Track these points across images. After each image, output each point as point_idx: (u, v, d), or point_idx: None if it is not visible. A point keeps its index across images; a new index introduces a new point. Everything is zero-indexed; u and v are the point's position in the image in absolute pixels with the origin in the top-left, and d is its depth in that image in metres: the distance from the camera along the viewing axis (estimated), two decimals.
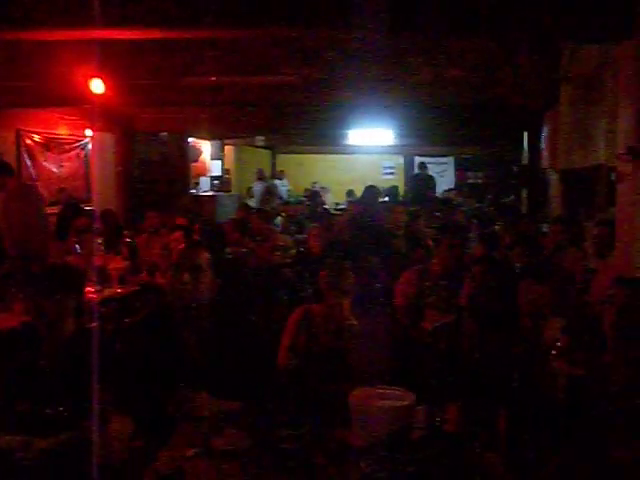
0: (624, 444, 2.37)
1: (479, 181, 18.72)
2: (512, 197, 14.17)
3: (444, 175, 19.63)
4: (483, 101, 8.80)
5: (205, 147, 15.12)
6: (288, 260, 7.69)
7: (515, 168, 14.38)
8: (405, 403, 2.47)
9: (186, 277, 3.14)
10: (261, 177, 16.24)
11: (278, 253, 7.55)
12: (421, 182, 15.09)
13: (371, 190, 8.69)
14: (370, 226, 7.19)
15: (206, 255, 3.03)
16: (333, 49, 6.79)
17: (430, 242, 6.95)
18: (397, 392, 2.55)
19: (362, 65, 7.02)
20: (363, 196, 8.94)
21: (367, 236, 6.59)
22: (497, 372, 2.90)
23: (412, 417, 2.53)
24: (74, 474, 2.77)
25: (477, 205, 14.26)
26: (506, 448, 2.41)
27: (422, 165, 15.56)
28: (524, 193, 11.17)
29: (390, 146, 16.00)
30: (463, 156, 19.28)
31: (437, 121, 10.78)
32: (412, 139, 15.29)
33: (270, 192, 15.20)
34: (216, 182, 14.50)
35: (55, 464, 2.83)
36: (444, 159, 19.72)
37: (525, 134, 10.73)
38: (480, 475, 2.34)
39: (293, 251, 8.09)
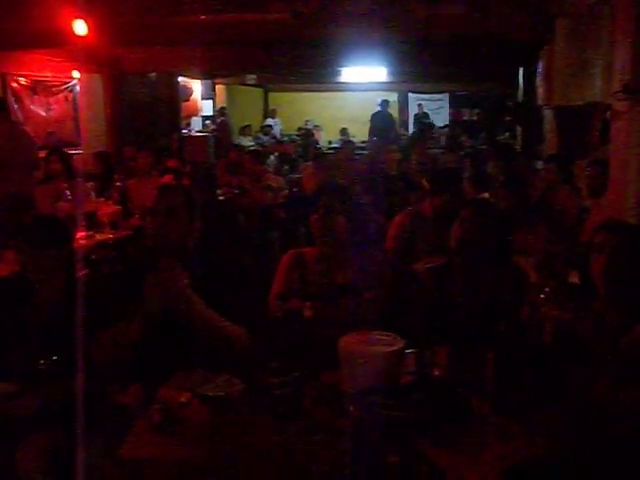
0: (611, 388, 2.39)
1: (474, 118, 18.56)
2: (507, 134, 14.09)
3: (439, 112, 19.50)
4: (478, 37, 8.67)
5: (196, 86, 14.91)
6: (281, 200, 7.67)
7: (510, 105, 14.26)
8: (395, 348, 2.48)
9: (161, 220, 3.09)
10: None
11: (270, 193, 7.53)
12: (380, 119, 14.99)
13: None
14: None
15: (181, 198, 3.02)
16: None
17: (424, 182, 6.92)
18: (387, 337, 2.55)
19: (354, 1, 6.89)
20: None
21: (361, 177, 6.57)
22: (485, 316, 2.92)
23: (402, 362, 2.54)
24: (68, 422, 2.80)
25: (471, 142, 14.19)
26: (493, 392, 2.43)
27: (384, 102, 15.43)
28: (519, 130, 11.10)
29: (384, 83, 15.83)
30: (458, 93, 19.08)
31: (431, 58, 10.63)
32: (406, 76, 15.11)
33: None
34: (208, 122, 14.34)
35: (49, 412, 2.87)
36: (439, 96, 19.56)
37: (520, 70, 10.59)
38: (468, 419, 2.37)
39: (285, 191, 8.07)
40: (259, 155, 8.71)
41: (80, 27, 6.43)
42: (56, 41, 7.90)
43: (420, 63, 11.78)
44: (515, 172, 6.67)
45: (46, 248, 3.10)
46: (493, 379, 2.42)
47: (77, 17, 6.41)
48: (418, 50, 9.94)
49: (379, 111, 15.30)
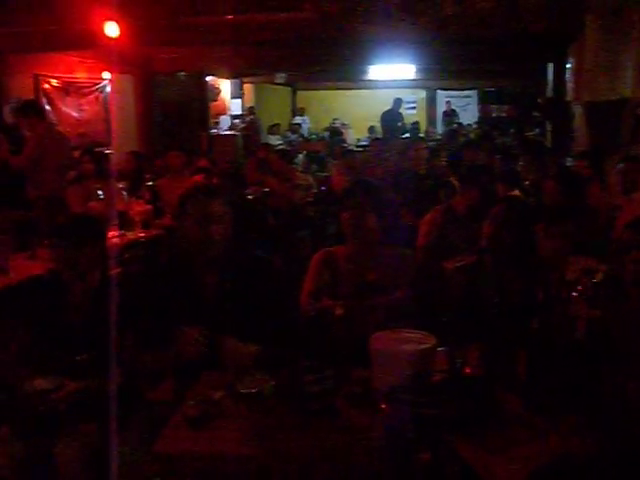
0: None
1: (503, 114, 18.42)
2: (536, 131, 13.97)
3: (467, 109, 19.39)
4: (507, 33, 8.60)
5: (224, 86, 14.98)
6: (310, 199, 7.70)
7: (540, 101, 14.13)
8: (426, 346, 2.49)
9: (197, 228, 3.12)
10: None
11: (300, 192, 7.55)
12: (389, 118, 14.91)
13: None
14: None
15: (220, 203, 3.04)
16: None
17: (453, 180, 6.90)
18: (418, 335, 2.56)
19: None
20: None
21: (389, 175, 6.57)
22: (517, 314, 2.91)
23: (433, 360, 2.55)
24: (104, 418, 2.85)
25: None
26: (525, 391, 2.43)
27: (396, 101, 15.32)
28: (548, 127, 11.01)
29: (412, 80, 15.79)
30: (487, 90, 18.95)
31: (460, 54, 10.59)
32: (434, 73, 15.05)
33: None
34: (236, 121, 14.40)
35: (85, 408, 2.92)
36: (467, 92, 19.43)
37: (550, 66, 10.50)
38: (500, 417, 2.37)
39: (314, 190, 8.09)
40: (287, 154, 8.74)
41: (112, 29, 6.50)
42: (88, 43, 8.00)
43: (449, 60, 11.74)
44: (545, 169, 6.60)
45: (81, 247, 3.16)
46: (525, 377, 2.42)
47: (109, 19, 6.48)
48: (447, 47, 9.91)
49: (389, 109, 15.25)
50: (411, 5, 7.09)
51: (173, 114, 12.22)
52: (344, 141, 14.12)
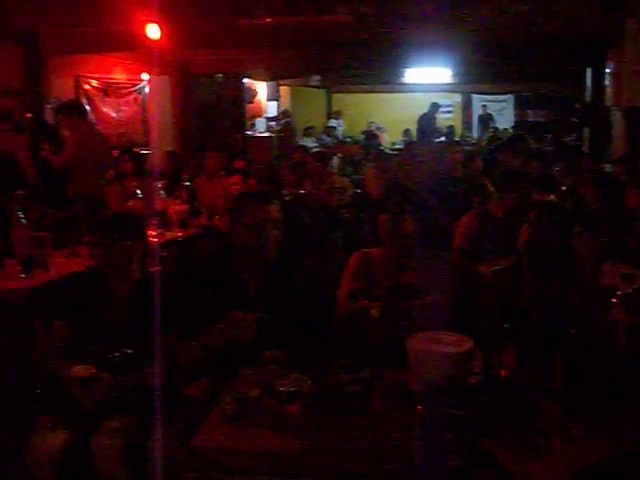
0: None
1: (540, 119, 18.26)
2: (574, 136, 13.83)
3: (503, 113, 19.25)
4: (545, 37, 8.55)
5: (260, 88, 15.07)
6: (345, 202, 7.72)
7: (577, 106, 14.00)
8: (463, 349, 2.50)
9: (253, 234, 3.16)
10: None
11: (336, 195, 7.58)
12: (424, 122, 14.81)
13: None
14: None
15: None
16: None
17: (488, 184, 6.88)
18: (455, 337, 2.57)
19: (419, 1, 6.88)
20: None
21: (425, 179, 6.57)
22: (554, 319, 2.90)
23: (469, 363, 2.55)
24: (141, 412, 2.90)
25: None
26: (563, 396, 2.42)
27: (432, 105, 15.21)
28: (586, 132, 10.90)
29: (447, 84, 15.73)
30: (523, 94, 18.79)
31: (497, 58, 10.52)
32: (470, 77, 14.97)
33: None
34: (272, 123, 14.48)
35: (122, 402, 2.97)
36: (503, 97, 19.30)
37: (588, 71, 10.40)
38: (536, 422, 2.37)
39: (349, 192, 8.11)
40: (322, 156, 8.77)
41: (153, 31, 6.57)
42: (129, 44, 8.13)
43: (485, 63, 11.68)
44: (581, 175, 6.54)
45: (122, 244, 3.21)
46: (563, 382, 2.42)
47: (150, 21, 6.56)
48: (483, 50, 9.86)
49: (425, 113, 15.21)
50: (447, 8, 7.07)
51: (210, 115, 12.32)
52: (379, 144, 14.10)
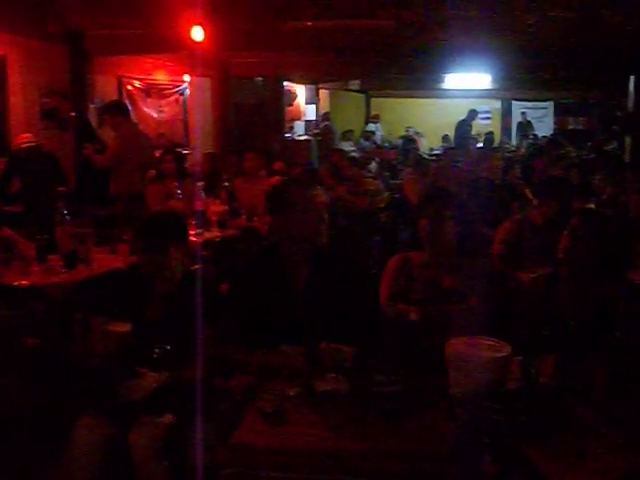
0: None
1: (580, 127, 18.07)
2: (615, 144, 13.67)
3: (543, 121, 19.09)
4: (587, 43, 8.47)
5: (300, 91, 15.15)
6: (380, 204, 7.74)
7: (619, 114, 13.83)
8: (502, 354, 2.50)
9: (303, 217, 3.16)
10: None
11: (368, 198, 7.60)
12: (460, 129, 14.71)
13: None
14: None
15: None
16: None
17: (527, 191, 6.85)
18: (493, 343, 2.57)
19: (461, 7, 6.85)
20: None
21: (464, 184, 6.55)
22: (595, 326, 2.89)
23: (508, 368, 2.55)
24: (179, 408, 2.95)
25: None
26: (603, 403, 2.41)
27: (470, 112, 15.10)
28: (628, 140, 10.77)
29: (487, 90, 15.63)
30: (563, 101, 18.60)
31: (537, 64, 10.44)
32: (510, 83, 14.86)
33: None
34: (310, 126, 14.54)
35: (161, 398, 3.02)
36: (543, 104, 19.14)
37: (631, 78, 10.27)
38: (574, 428, 2.36)
39: (383, 196, 8.12)
40: (357, 161, 8.78)
41: (197, 33, 6.64)
42: (171, 46, 8.23)
43: (525, 70, 11.60)
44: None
45: (165, 243, 3.25)
46: (603, 389, 2.41)
47: (193, 23, 6.63)
48: (524, 56, 9.79)
49: (463, 119, 15.14)
50: (489, 14, 7.04)
51: (249, 117, 12.41)
52: (417, 149, 14.08)
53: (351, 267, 3.30)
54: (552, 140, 14.08)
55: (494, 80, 13.57)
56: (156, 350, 3.10)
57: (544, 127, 18.53)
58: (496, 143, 16.63)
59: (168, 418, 3.02)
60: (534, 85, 15.56)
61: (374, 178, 9.22)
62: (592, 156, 12.14)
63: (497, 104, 19.44)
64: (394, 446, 2.33)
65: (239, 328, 3.08)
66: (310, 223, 3.10)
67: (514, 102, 19.29)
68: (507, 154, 12.01)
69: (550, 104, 19.27)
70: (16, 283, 4.52)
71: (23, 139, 7.51)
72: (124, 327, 2.99)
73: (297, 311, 3.07)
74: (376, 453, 2.31)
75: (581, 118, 18.48)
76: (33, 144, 7.45)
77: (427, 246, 3.35)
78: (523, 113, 18.68)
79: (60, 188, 5.49)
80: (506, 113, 19.52)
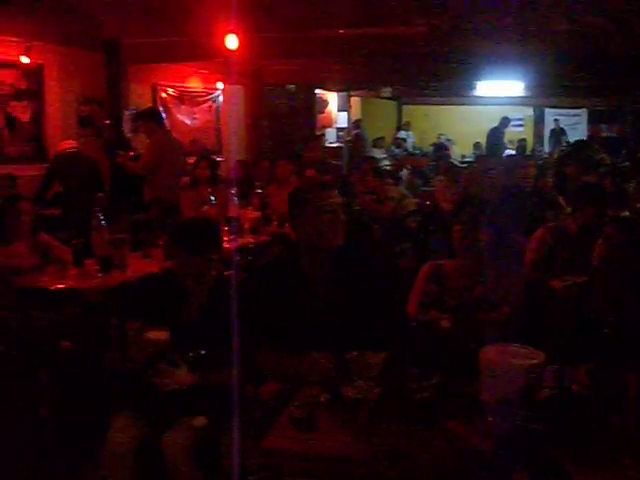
0: None
1: (614, 134, 17.85)
2: None
3: (576, 128, 18.90)
4: (620, 50, 8.39)
5: (331, 98, 15.20)
6: (407, 210, 7.73)
7: None
8: (535, 362, 2.49)
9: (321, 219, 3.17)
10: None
11: (391, 203, 7.59)
12: (492, 136, 14.59)
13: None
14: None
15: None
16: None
17: (560, 199, 6.79)
18: (527, 350, 2.56)
19: (494, 14, 6.84)
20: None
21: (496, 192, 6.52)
22: (630, 335, 2.86)
23: (541, 376, 2.54)
24: (212, 409, 2.98)
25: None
26: (638, 413, 2.39)
27: (502, 120, 14.98)
28: None
29: (519, 97, 15.54)
30: (597, 108, 18.41)
31: (570, 71, 10.36)
32: (543, 90, 14.76)
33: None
34: (342, 134, 14.59)
35: (195, 402, 3.05)
36: (576, 111, 18.96)
37: None
38: (607, 438, 2.34)
39: (408, 200, 8.10)
40: (381, 173, 8.73)
41: (232, 42, 6.69)
42: (205, 54, 8.32)
43: (558, 77, 11.52)
44: None
45: (198, 249, 3.29)
46: (637, 398, 2.39)
47: (228, 32, 6.69)
48: (557, 63, 9.73)
49: (495, 127, 15.05)
50: (523, 21, 7.01)
51: (281, 124, 12.48)
52: (449, 157, 14.04)
53: (369, 269, 3.29)
54: (579, 141, 13.94)
55: (527, 87, 13.49)
56: (190, 354, 3.15)
57: (577, 135, 18.34)
58: (528, 151, 16.51)
59: (200, 420, 3.06)
60: (567, 92, 15.44)
61: (396, 185, 9.17)
62: (626, 164, 11.99)
63: (529, 111, 19.31)
64: (423, 453, 2.33)
65: (268, 334, 3.09)
66: (325, 223, 3.12)
67: (547, 109, 19.15)
68: (540, 162, 11.92)
69: (583, 111, 19.10)
70: (52, 287, 4.61)
71: (66, 145, 7.67)
72: (162, 335, 3.03)
73: (320, 315, 3.07)
74: (404, 460, 2.31)
75: (615, 125, 18.25)
76: (75, 149, 7.59)
77: (460, 253, 3.35)
78: (556, 120, 18.52)
79: (98, 194, 5.57)
80: (538, 120, 19.38)
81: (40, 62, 8.47)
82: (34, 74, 8.49)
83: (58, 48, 8.50)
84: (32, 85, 8.51)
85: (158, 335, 3.03)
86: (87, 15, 7.21)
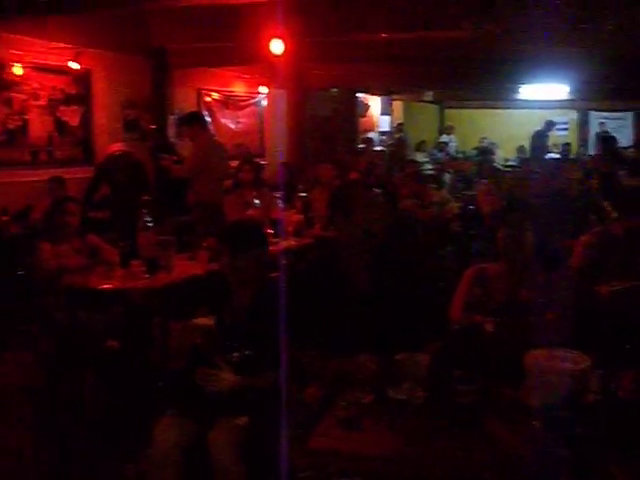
0: None
1: None
2: None
3: (621, 131, 18.57)
4: None
5: (373, 102, 15.20)
6: (451, 214, 7.70)
7: None
8: (581, 367, 2.48)
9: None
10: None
11: (434, 208, 7.57)
12: (536, 140, 14.42)
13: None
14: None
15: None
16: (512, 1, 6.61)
17: (606, 203, 6.70)
18: (573, 355, 2.55)
19: (540, 16, 6.77)
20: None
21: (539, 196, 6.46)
22: None
23: (587, 381, 2.53)
24: (257, 409, 3.01)
25: None
26: None
27: (546, 123, 14.78)
28: None
29: (563, 101, 15.36)
30: None
31: (616, 74, 10.22)
32: (587, 93, 14.57)
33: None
34: (384, 138, 14.58)
35: (242, 398, 3.08)
36: (621, 114, 18.63)
37: None
38: None
39: (451, 204, 8.07)
40: (421, 178, 8.71)
41: (277, 46, 6.74)
42: (249, 59, 8.39)
43: (603, 80, 11.36)
44: None
45: (246, 251, 3.32)
46: None
47: (273, 37, 6.74)
48: (603, 65, 9.59)
49: (539, 130, 14.88)
50: (568, 24, 6.93)
51: (323, 128, 12.52)
52: (492, 160, 13.93)
53: (413, 272, 3.30)
54: (605, 132, 13.72)
55: (571, 90, 13.33)
56: (235, 354, 3.18)
57: (622, 138, 18.05)
58: (573, 154, 16.30)
59: (244, 420, 3.09)
60: (612, 95, 15.22)
61: (439, 189, 9.13)
62: None
63: (574, 115, 19.06)
64: (468, 456, 2.33)
65: (312, 336, 3.11)
66: (368, 222, 3.13)
67: (591, 112, 18.88)
68: (584, 166, 11.77)
69: (629, 114, 18.78)
70: (99, 287, 4.70)
71: (114, 147, 7.81)
72: (209, 321, 3.07)
73: (363, 317, 3.09)
74: (448, 462, 2.31)
75: None
76: (123, 152, 7.72)
77: (504, 257, 3.34)
78: (602, 123, 18.25)
79: (145, 196, 5.66)
80: (583, 124, 19.12)
81: (87, 67, 8.64)
82: (83, 79, 8.67)
83: (105, 53, 8.66)
84: (81, 90, 8.69)
85: (205, 321, 3.07)
86: (135, 22, 7.32)
